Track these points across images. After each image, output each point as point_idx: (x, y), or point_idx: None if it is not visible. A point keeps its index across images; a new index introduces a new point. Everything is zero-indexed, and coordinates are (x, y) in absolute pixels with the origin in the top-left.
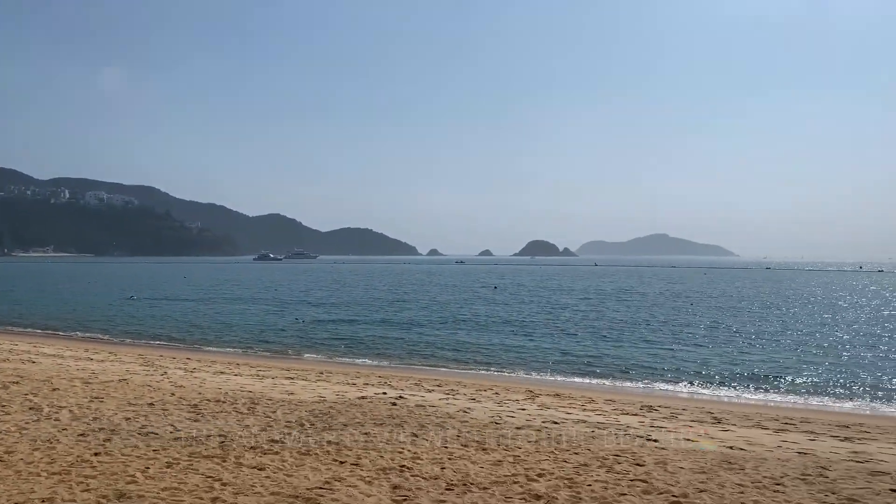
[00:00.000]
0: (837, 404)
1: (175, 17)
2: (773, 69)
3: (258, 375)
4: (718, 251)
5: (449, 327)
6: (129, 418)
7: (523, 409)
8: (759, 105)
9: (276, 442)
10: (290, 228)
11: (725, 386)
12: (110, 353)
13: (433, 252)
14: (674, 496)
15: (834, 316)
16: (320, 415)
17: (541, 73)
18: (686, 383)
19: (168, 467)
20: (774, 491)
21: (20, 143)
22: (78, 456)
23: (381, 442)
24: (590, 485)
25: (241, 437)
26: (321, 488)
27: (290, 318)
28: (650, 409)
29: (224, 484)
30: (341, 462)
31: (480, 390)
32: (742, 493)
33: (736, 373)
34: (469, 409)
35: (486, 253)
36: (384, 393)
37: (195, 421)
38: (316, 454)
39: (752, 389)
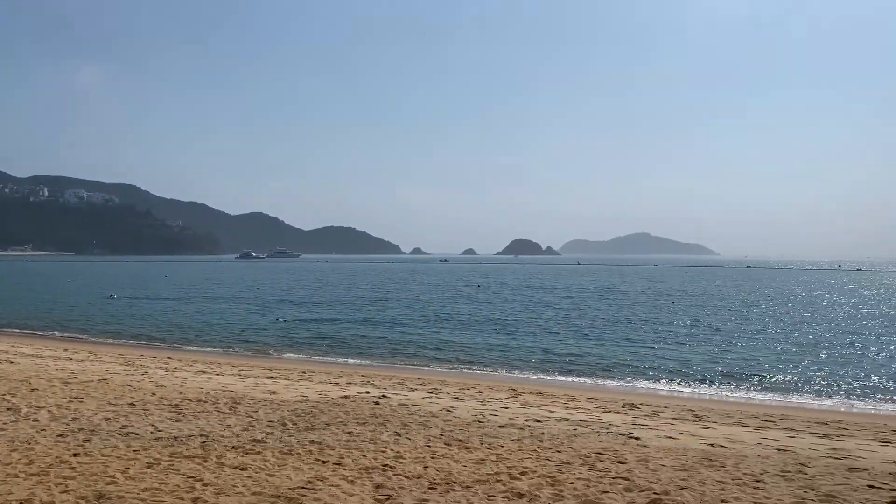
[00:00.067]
0: (816, 402)
1: (155, 14)
2: (756, 70)
3: (240, 375)
4: (699, 250)
5: (432, 326)
6: (110, 418)
7: (506, 408)
8: (739, 105)
9: (258, 442)
10: (272, 227)
11: (706, 384)
12: (90, 352)
13: (416, 251)
14: (655, 493)
15: (813, 314)
16: (303, 414)
17: (526, 71)
18: (667, 381)
19: (148, 468)
20: (754, 488)
21: None
22: (57, 457)
23: (363, 441)
24: (572, 483)
25: (222, 436)
26: (303, 488)
27: (272, 317)
28: (632, 407)
29: (205, 484)
30: (324, 461)
31: (463, 389)
32: (723, 489)
33: (717, 371)
34: (452, 407)
35: (470, 252)
36: (367, 392)
37: (176, 421)
38: (298, 454)
39: (732, 387)
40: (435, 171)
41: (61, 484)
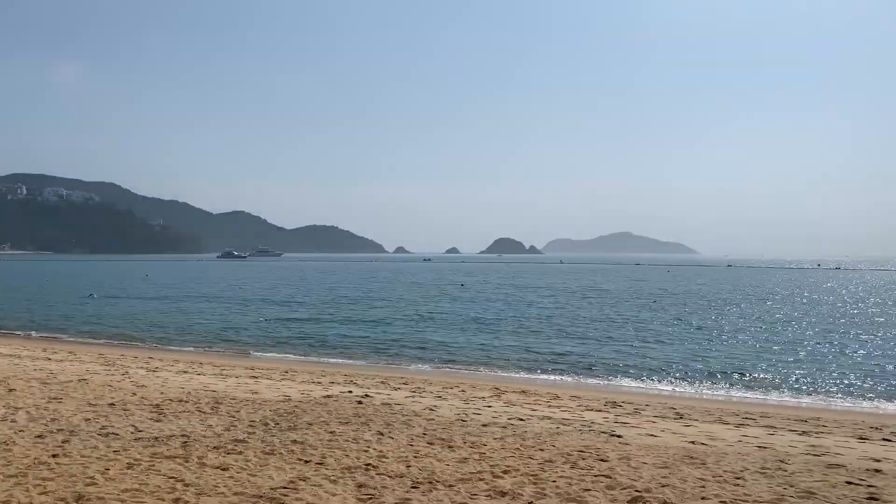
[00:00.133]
0: (796, 399)
1: (135, 10)
2: (740, 72)
3: (222, 374)
4: (681, 249)
5: (415, 325)
6: (89, 419)
7: (489, 407)
8: (716, 103)
9: (240, 441)
10: (254, 226)
11: (687, 382)
12: (69, 352)
13: (400, 250)
14: (637, 491)
15: (793, 312)
16: (285, 414)
17: (507, 70)
18: (649, 379)
19: (129, 468)
20: (735, 485)
21: None
22: (35, 458)
23: (346, 441)
24: (554, 481)
25: (204, 436)
26: (285, 488)
27: (254, 316)
28: (614, 405)
29: (186, 485)
30: (306, 461)
31: (447, 388)
32: (703, 487)
33: (698, 369)
34: (435, 406)
35: (454, 251)
36: (350, 391)
37: (157, 421)
38: (280, 454)
39: (713, 385)
40: (419, 172)
41: (40, 485)
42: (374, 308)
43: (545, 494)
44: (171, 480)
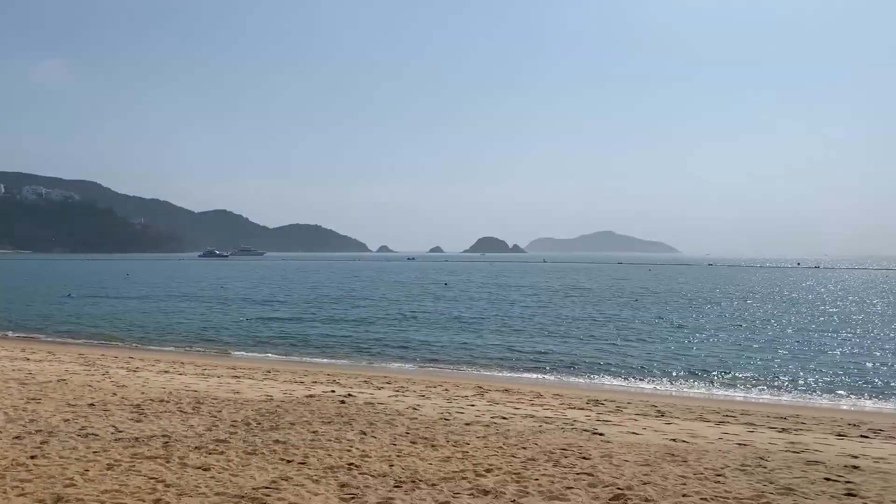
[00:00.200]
0: (775, 397)
1: (114, 7)
2: (724, 76)
3: (203, 374)
4: (662, 248)
5: (398, 324)
6: (69, 419)
7: (472, 405)
8: (696, 102)
9: (222, 441)
10: (236, 225)
11: (669, 380)
12: (48, 352)
13: (383, 248)
14: (619, 488)
15: (772, 311)
16: (267, 414)
17: (494, 71)
18: (631, 378)
19: (109, 469)
20: (715, 482)
21: None
22: (13, 459)
23: (329, 440)
24: (537, 479)
25: (185, 437)
26: (267, 488)
27: (236, 315)
28: (596, 403)
29: (167, 485)
30: (288, 461)
31: (430, 387)
32: (684, 484)
33: (679, 367)
34: (418, 405)
35: (437, 249)
36: (332, 391)
37: (138, 421)
38: (262, 453)
39: (694, 383)
40: (402, 170)
41: (17, 487)
42: (357, 307)
43: (528, 493)
44: (152, 481)
